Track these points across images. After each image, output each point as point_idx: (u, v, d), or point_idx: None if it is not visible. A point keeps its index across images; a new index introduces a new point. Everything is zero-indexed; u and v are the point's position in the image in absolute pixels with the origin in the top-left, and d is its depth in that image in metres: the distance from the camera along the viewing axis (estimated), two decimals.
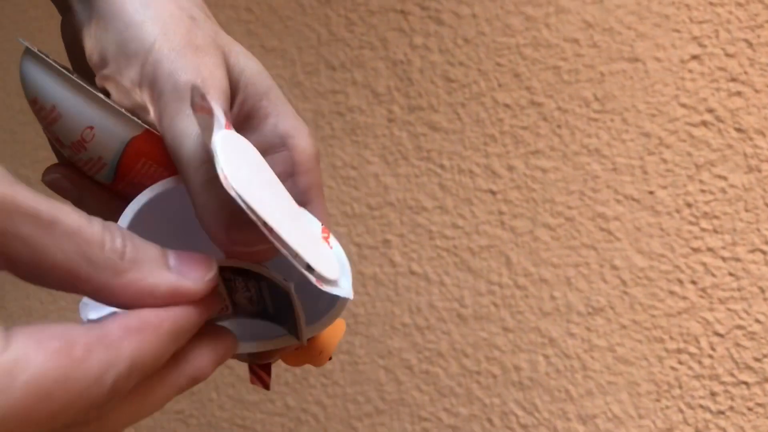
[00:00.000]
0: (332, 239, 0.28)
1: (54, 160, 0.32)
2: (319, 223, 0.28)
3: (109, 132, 0.28)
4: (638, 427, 0.58)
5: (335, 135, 0.69)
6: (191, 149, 0.25)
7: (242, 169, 0.24)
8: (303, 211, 0.28)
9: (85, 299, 0.26)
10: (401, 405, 0.66)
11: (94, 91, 0.29)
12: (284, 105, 0.29)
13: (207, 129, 0.24)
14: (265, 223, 0.23)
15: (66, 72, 0.28)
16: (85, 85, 0.28)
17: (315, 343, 0.31)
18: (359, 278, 0.68)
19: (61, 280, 0.21)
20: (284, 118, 0.29)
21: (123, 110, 0.29)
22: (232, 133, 0.25)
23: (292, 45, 0.71)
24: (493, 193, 0.63)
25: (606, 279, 0.59)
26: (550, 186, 0.61)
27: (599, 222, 0.60)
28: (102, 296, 0.22)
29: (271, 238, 0.23)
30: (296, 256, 0.24)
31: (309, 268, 0.24)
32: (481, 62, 0.64)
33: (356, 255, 0.68)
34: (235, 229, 0.25)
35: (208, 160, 0.25)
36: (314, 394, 0.69)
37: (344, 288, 0.26)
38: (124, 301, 0.22)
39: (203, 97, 0.24)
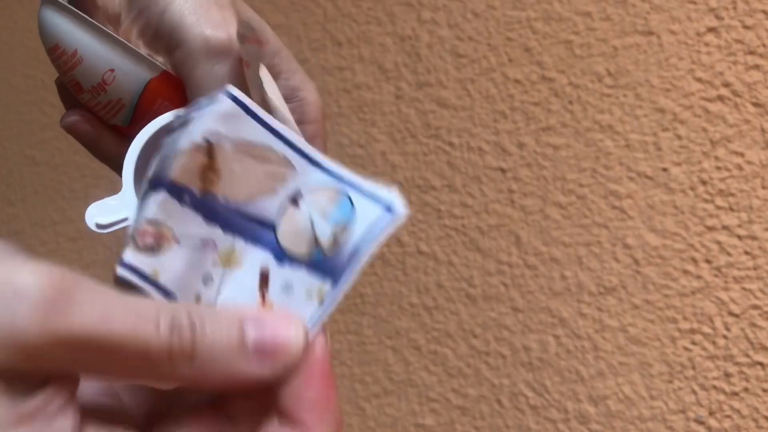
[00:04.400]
0: None
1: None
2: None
3: (129, 73, 0.30)
4: (650, 408, 0.57)
5: (342, 113, 0.68)
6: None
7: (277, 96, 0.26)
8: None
9: (93, 205, 0.27)
10: (409, 386, 0.66)
11: (111, 33, 0.30)
12: (294, 63, 0.32)
13: (255, 58, 0.25)
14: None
15: (87, 17, 0.30)
16: (105, 29, 0.30)
17: None
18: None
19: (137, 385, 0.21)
20: (294, 74, 0.32)
21: (142, 52, 0.30)
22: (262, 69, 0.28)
23: (298, 21, 0.70)
24: (503, 170, 0.62)
25: (618, 258, 0.58)
26: (561, 163, 0.60)
27: (611, 200, 0.59)
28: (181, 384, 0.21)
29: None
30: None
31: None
32: (491, 37, 0.63)
33: None
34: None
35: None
36: None
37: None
38: (205, 391, 0.21)
39: (252, 29, 0.27)
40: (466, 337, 0.64)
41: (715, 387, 0.55)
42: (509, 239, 0.62)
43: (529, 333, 0.61)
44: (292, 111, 0.32)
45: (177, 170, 0.22)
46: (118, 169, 0.31)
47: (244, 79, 0.29)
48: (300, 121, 0.32)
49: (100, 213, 0.28)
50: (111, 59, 0.30)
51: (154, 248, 0.22)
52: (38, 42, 0.86)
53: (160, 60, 0.30)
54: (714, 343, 0.56)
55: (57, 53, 0.30)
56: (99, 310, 0.19)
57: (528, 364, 0.61)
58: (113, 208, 0.28)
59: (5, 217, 0.89)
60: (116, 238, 0.95)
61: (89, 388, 0.21)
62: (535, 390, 0.61)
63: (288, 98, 0.32)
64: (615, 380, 0.58)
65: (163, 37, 0.29)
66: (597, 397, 0.59)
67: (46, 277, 0.18)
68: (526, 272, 0.61)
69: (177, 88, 0.30)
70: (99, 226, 0.28)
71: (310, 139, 0.31)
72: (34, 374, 0.18)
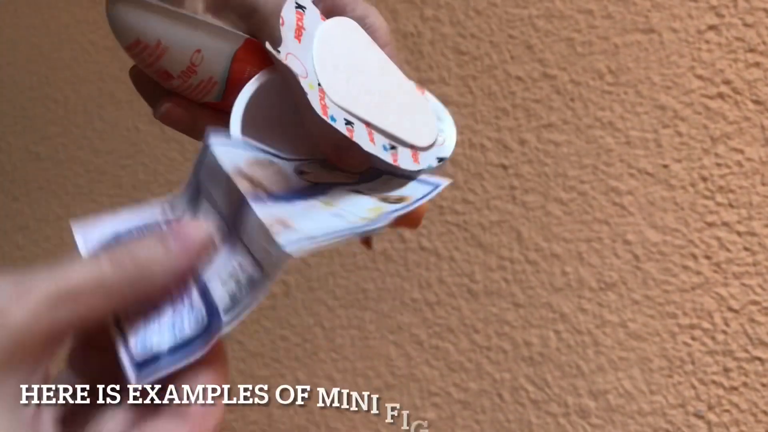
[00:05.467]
0: (427, 94, 0.33)
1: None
2: (412, 82, 0.33)
3: (215, 50, 0.30)
4: (650, 402, 0.58)
5: None
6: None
7: (340, 65, 0.29)
8: (398, 75, 0.32)
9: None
10: (411, 380, 0.66)
11: (192, 15, 0.30)
12: None
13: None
14: (366, 122, 0.28)
15: (159, 4, 0.30)
16: (180, 11, 0.30)
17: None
18: (369, 254, 0.68)
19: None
20: (357, 4, 0.33)
21: (222, 25, 0.30)
22: (330, 22, 0.30)
23: None
24: (504, 167, 0.63)
25: (618, 254, 0.59)
26: (562, 160, 0.61)
27: (612, 196, 0.59)
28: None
29: (364, 145, 0.28)
30: (395, 139, 0.29)
31: (411, 146, 0.30)
32: (493, 34, 0.63)
33: None
34: (338, 152, 0.30)
35: None
36: (324, 369, 0.69)
37: (446, 147, 0.31)
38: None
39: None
40: (467, 332, 0.64)
41: (714, 382, 0.56)
42: (510, 235, 0.62)
43: (530, 328, 0.62)
44: None
45: (243, 188, 0.28)
46: None
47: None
48: None
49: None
50: (195, 40, 0.30)
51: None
52: (42, 38, 0.87)
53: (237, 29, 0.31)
54: (713, 338, 0.56)
55: (139, 48, 0.30)
56: (57, 275, 0.24)
57: (529, 359, 0.62)
58: None
59: (10, 213, 0.90)
60: None
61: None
62: (536, 384, 0.62)
63: None
64: (615, 375, 0.59)
65: (235, 5, 0.30)
66: (597, 392, 0.60)
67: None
68: (527, 268, 0.62)
69: (261, 53, 0.30)
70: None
71: None
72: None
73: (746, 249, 0.55)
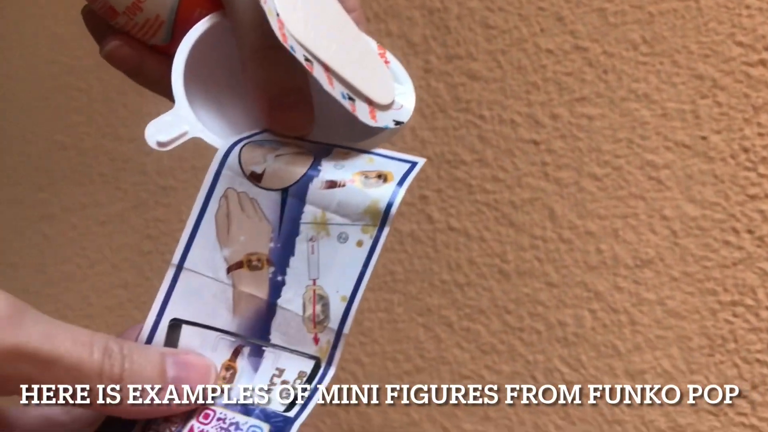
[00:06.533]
0: (389, 55, 0.31)
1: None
2: (375, 42, 0.31)
3: None
4: (690, 382, 0.56)
5: None
6: (244, 5, 0.27)
7: (299, 5, 0.27)
8: (359, 33, 0.31)
9: (150, 124, 0.28)
10: (441, 363, 0.65)
11: None
12: None
13: None
14: (325, 65, 0.27)
15: None
16: None
17: None
18: (396, 236, 0.67)
19: (68, 406, 0.23)
20: None
21: None
22: None
23: None
24: (536, 143, 0.61)
25: (655, 230, 0.57)
26: (596, 134, 0.59)
27: (648, 170, 0.57)
28: (107, 412, 0.24)
29: (323, 84, 0.27)
30: (351, 89, 0.28)
31: (369, 101, 0.29)
32: (522, 6, 0.61)
33: None
34: (277, 111, 0.28)
35: (261, 24, 0.27)
36: (353, 353, 0.68)
37: (404, 111, 0.30)
38: (128, 416, 0.24)
39: None
40: (499, 314, 0.63)
41: (758, 360, 0.54)
42: (543, 213, 0.61)
43: (564, 308, 0.60)
44: None
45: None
46: (164, 91, 0.30)
47: None
48: None
49: (159, 131, 0.28)
50: None
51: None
52: (64, 27, 0.87)
53: None
54: (757, 315, 0.54)
55: None
56: (42, 330, 0.23)
57: (563, 340, 0.60)
58: (171, 124, 0.28)
59: (35, 203, 0.90)
60: (144, 221, 0.94)
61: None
62: (571, 366, 0.60)
63: None
64: (653, 354, 0.57)
65: None
66: (634, 372, 0.58)
67: (3, 299, 0.23)
68: (561, 246, 0.60)
69: None
70: (160, 144, 0.28)
71: None
72: None
73: None
